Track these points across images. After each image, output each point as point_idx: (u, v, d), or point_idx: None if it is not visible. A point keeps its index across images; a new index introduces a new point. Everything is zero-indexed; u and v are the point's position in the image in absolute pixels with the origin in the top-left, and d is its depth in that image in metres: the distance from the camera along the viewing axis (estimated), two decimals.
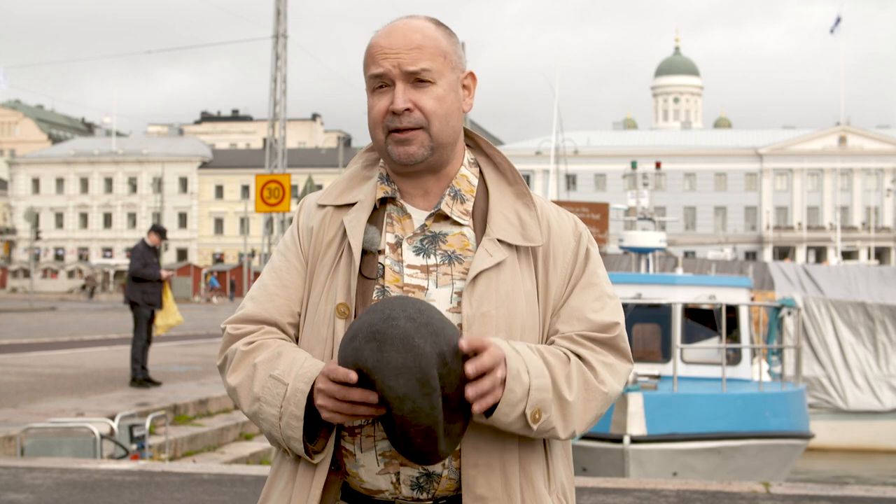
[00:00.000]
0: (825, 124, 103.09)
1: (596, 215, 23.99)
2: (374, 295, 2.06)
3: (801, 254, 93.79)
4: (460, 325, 2.03)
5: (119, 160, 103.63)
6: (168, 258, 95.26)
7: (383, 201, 2.14)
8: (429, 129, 2.06)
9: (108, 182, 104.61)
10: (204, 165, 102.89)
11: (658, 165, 19.13)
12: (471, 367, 1.87)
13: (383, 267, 2.08)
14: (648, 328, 14.59)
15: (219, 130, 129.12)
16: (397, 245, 2.09)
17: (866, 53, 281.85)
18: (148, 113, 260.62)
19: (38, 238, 57.56)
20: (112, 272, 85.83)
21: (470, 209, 2.12)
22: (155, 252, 14.41)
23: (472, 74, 2.17)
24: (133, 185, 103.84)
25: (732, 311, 14.58)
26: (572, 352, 2.05)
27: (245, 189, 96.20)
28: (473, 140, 2.21)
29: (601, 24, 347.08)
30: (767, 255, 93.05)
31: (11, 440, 9.68)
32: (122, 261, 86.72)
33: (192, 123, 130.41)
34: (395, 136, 2.06)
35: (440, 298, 2.04)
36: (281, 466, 2.12)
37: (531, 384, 1.94)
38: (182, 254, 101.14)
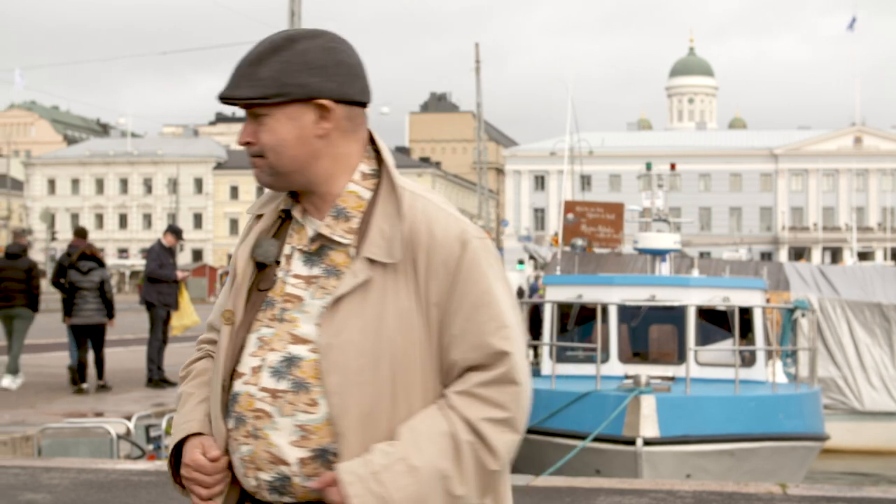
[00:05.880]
0: (840, 126, 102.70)
1: (611, 216, 23.91)
2: (263, 305, 2.10)
3: (816, 254, 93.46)
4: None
5: (134, 161, 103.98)
6: (183, 259, 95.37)
7: (290, 214, 2.16)
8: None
9: (124, 183, 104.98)
10: (219, 166, 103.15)
11: (673, 167, 19.07)
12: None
13: (277, 278, 2.12)
14: (664, 329, 14.54)
15: (234, 131, 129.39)
16: (291, 255, 2.12)
17: (881, 59, 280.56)
18: (163, 114, 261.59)
19: (53, 239, 57.79)
20: (128, 273, 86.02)
21: (355, 227, 2.07)
22: (171, 253, 14.47)
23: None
24: (148, 186, 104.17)
25: (747, 312, 14.50)
26: (467, 423, 1.97)
27: (260, 190, 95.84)
28: (376, 149, 2.16)
29: (622, 32, 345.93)
30: (783, 255, 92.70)
31: (29, 440, 9.74)
32: (137, 261, 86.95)
33: (206, 124, 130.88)
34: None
35: (313, 311, 2.05)
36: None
37: None
38: (197, 254, 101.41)
